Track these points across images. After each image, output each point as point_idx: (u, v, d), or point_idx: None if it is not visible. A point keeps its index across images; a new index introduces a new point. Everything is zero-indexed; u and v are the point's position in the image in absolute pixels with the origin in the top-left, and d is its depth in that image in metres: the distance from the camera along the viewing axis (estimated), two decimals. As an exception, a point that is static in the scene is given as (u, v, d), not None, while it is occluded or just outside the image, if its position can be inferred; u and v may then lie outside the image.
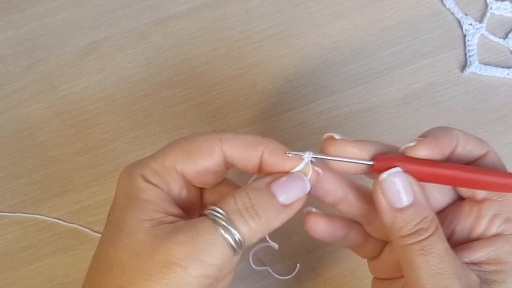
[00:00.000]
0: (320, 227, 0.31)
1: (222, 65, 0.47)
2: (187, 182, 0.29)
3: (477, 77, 0.47)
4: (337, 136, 0.28)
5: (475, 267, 0.28)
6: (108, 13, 0.49)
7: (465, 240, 0.30)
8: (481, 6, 0.49)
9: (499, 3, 0.49)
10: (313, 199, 0.30)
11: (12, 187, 0.45)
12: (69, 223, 0.43)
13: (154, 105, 0.46)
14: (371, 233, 0.32)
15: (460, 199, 0.31)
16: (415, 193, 0.28)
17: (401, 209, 0.27)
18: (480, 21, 0.48)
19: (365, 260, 0.34)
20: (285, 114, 0.46)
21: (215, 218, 0.26)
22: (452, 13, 0.49)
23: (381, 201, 0.28)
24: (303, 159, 0.28)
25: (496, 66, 0.47)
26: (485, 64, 0.47)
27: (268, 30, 0.48)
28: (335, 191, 0.30)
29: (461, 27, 0.48)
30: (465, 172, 0.28)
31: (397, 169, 0.28)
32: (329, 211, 0.32)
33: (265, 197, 0.27)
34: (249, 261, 0.42)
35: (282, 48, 0.48)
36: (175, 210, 0.28)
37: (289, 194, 0.27)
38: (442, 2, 0.49)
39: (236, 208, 0.26)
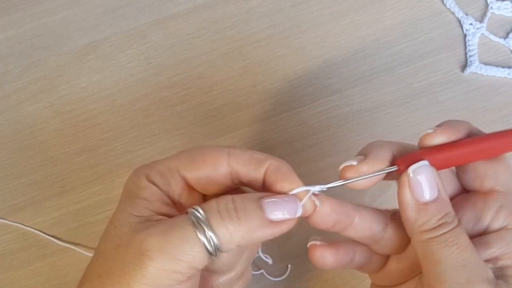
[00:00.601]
0: (327, 259, 0.31)
1: (222, 65, 0.47)
2: (189, 186, 0.29)
3: (477, 77, 0.47)
4: (354, 162, 0.28)
5: (489, 265, 0.28)
6: (108, 13, 0.49)
7: (470, 233, 0.30)
8: (481, 6, 0.49)
9: (499, 3, 0.49)
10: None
11: (11, 187, 0.45)
12: (63, 241, 0.43)
13: (154, 105, 0.46)
14: (377, 251, 0.32)
15: (464, 191, 0.31)
16: (439, 188, 0.28)
17: (426, 204, 0.27)
18: (481, 21, 0.48)
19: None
20: (285, 114, 0.46)
21: (193, 216, 0.26)
22: (453, 13, 0.49)
23: (407, 195, 0.28)
24: (308, 190, 0.28)
25: (496, 66, 0.47)
26: (486, 64, 0.47)
27: (268, 30, 0.48)
28: (341, 220, 0.30)
29: (461, 26, 0.48)
30: (484, 141, 0.28)
31: (425, 162, 0.28)
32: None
33: (251, 206, 0.26)
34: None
35: (282, 48, 0.48)
36: (168, 210, 0.28)
37: (278, 212, 0.26)
38: (443, 1, 0.49)
39: (215, 208, 0.26)
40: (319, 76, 0.47)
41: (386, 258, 0.32)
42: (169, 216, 0.27)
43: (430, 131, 0.28)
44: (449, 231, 0.27)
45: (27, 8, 0.49)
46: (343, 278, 0.42)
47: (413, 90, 0.46)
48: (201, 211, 0.26)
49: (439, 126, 0.29)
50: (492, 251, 0.28)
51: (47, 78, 0.47)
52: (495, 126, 0.45)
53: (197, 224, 0.25)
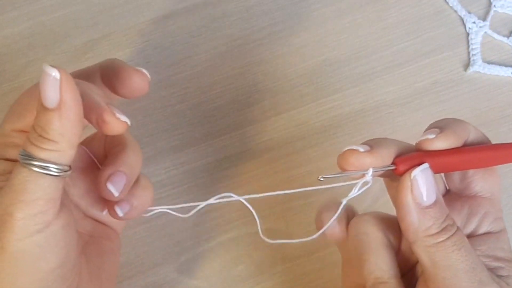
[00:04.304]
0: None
1: (221, 64, 0.47)
2: None
3: (480, 76, 0.46)
4: (361, 149, 0.28)
5: None
6: (106, 11, 0.49)
7: None
8: (484, 4, 0.48)
9: (502, 1, 0.48)
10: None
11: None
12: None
13: (152, 105, 0.46)
14: None
15: (446, 193, 0.32)
16: (436, 191, 0.27)
17: (429, 206, 0.27)
18: (484, 19, 0.48)
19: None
20: (286, 114, 0.45)
21: (21, 158, 0.26)
22: (455, 11, 0.48)
23: (409, 199, 0.27)
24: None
25: (499, 65, 0.46)
26: (489, 62, 0.46)
27: (268, 29, 0.48)
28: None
29: (464, 25, 0.48)
30: (483, 152, 0.29)
31: (426, 165, 0.27)
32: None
33: (41, 119, 0.26)
34: (249, 263, 0.41)
35: (282, 47, 0.47)
36: None
37: (47, 94, 0.26)
38: (445, 0, 0.48)
39: (28, 141, 0.27)
40: (320, 75, 0.47)
41: None
42: None
43: (432, 136, 0.28)
44: (453, 234, 0.27)
45: (24, 7, 0.49)
46: (344, 280, 0.41)
47: (415, 89, 0.46)
48: (23, 151, 0.26)
49: (440, 129, 0.28)
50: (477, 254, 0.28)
51: (44, 77, 0.47)
52: (498, 126, 0.45)
53: (26, 161, 0.26)
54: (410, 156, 0.28)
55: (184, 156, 0.44)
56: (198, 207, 0.32)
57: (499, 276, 0.28)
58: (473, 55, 0.46)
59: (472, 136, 0.29)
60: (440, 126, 0.29)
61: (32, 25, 0.48)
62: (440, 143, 0.28)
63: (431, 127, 0.29)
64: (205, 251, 0.42)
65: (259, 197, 0.31)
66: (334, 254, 0.41)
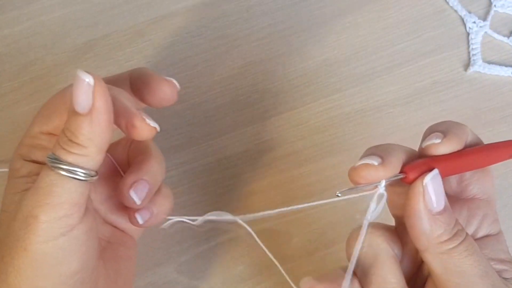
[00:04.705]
0: None
1: (221, 64, 0.47)
2: None
3: (480, 76, 0.46)
4: (375, 162, 0.27)
5: None
6: (106, 11, 0.49)
7: None
8: (485, 4, 0.48)
9: (503, 0, 0.48)
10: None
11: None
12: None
13: (152, 105, 0.46)
14: None
15: None
16: (444, 195, 0.27)
17: (440, 213, 0.27)
18: (484, 19, 0.48)
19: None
20: (286, 114, 0.45)
21: (49, 161, 0.26)
22: (456, 11, 0.48)
23: (420, 206, 0.26)
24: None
25: (500, 65, 0.46)
26: (489, 62, 0.46)
27: (268, 28, 0.48)
28: None
29: (464, 25, 0.48)
30: (483, 152, 0.29)
31: (436, 171, 0.27)
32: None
33: (72, 123, 0.27)
34: (249, 263, 0.41)
35: (282, 47, 0.47)
36: None
37: (80, 99, 0.26)
38: (445, 0, 0.48)
39: (58, 146, 0.27)
40: (320, 75, 0.46)
41: None
42: None
43: (438, 140, 0.28)
44: (464, 239, 0.27)
45: (24, 6, 0.49)
46: (344, 280, 0.41)
47: (415, 89, 0.46)
48: (51, 154, 0.27)
49: (443, 133, 0.28)
50: None
51: (44, 77, 0.47)
52: (498, 126, 0.45)
53: (54, 164, 0.26)
54: (418, 163, 0.27)
55: (184, 156, 0.44)
56: (206, 217, 0.34)
57: (505, 279, 0.28)
58: (473, 55, 0.46)
59: (469, 138, 0.29)
60: (442, 130, 0.28)
61: (32, 25, 0.48)
62: (446, 147, 0.28)
63: (432, 131, 0.29)
64: (205, 251, 0.42)
65: (276, 212, 0.31)
66: (334, 254, 0.41)
